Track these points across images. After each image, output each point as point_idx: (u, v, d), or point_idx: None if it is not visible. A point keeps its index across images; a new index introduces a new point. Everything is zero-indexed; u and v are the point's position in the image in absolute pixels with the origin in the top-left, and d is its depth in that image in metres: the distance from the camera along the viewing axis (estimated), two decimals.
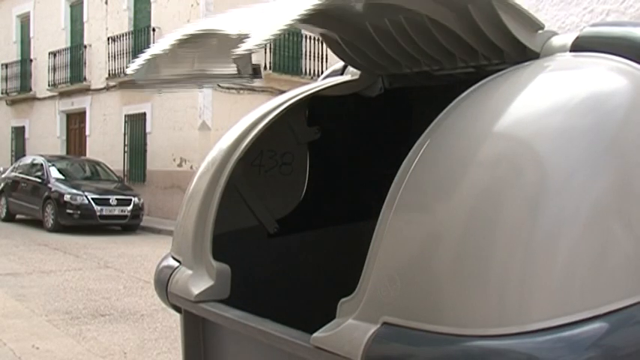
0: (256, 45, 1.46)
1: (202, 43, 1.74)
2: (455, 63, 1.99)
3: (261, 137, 2.22)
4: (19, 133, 23.91)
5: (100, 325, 6.01)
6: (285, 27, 1.48)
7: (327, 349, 1.51)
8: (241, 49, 1.47)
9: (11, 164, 19.66)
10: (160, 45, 1.94)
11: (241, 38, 1.54)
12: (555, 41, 1.86)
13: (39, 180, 15.18)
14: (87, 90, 20.36)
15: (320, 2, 1.50)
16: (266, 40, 1.47)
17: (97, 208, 14.02)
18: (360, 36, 2.05)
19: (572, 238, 1.37)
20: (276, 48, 17.35)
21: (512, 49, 1.83)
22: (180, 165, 16.69)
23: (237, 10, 1.83)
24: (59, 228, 14.08)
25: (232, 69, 1.52)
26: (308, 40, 18.12)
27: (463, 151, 1.48)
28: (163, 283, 2.22)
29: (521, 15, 1.81)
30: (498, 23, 1.76)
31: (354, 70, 2.45)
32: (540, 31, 1.85)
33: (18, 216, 16.24)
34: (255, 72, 1.49)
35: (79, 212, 13.96)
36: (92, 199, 14.07)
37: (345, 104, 2.62)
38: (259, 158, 2.51)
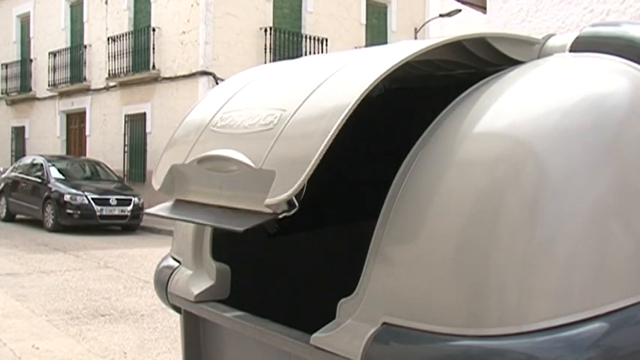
0: (289, 194, 1.45)
1: (222, 166, 1.73)
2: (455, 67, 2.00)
3: None
4: (19, 133, 23.92)
5: (100, 325, 6.01)
6: (318, 157, 1.44)
7: (327, 350, 1.51)
8: (273, 200, 1.47)
9: (11, 164, 19.67)
10: (177, 153, 1.93)
11: (265, 172, 1.53)
12: (555, 41, 1.86)
13: (39, 180, 15.18)
14: (87, 90, 20.37)
15: (343, 117, 1.47)
16: (298, 185, 1.44)
17: (97, 208, 14.03)
18: None
19: (571, 238, 1.37)
20: (277, 48, 17.37)
21: (511, 62, 1.83)
22: None
23: (248, 108, 1.80)
24: (59, 228, 14.08)
25: (264, 208, 1.52)
26: (308, 40, 18.12)
27: (463, 151, 1.48)
28: (163, 283, 2.22)
29: (516, 40, 1.82)
30: (494, 51, 1.77)
31: None
32: (537, 44, 1.86)
33: (18, 216, 16.24)
34: (291, 205, 1.49)
35: (79, 212, 13.97)
36: (92, 199, 14.07)
37: None
38: None
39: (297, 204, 1.49)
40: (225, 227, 1.61)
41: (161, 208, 1.92)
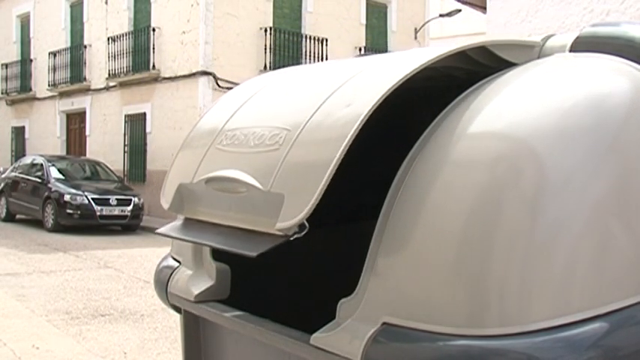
0: (299, 218, 1.48)
1: (230, 187, 1.75)
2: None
3: None
4: (19, 133, 23.91)
5: (100, 325, 6.01)
6: (325, 182, 1.47)
7: (327, 349, 1.51)
8: (284, 224, 1.50)
9: (11, 164, 19.66)
10: (184, 170, 1.95)
11: (274, 194, 1.56)
12: (555, 42, 1.86)
13: (39, 180, 15.18)
14: (87, 90, 20.36)
15: (351, 134, 1.49)
16: (308, 210, 1.47)
17: (97, 208, 14.02)
18: None
19: (571, 239, 1.37)
20: (277, 48, 17.36)
21: (512, 65, 1.84)
22: None
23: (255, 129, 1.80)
24: (59, 228, 14.08)
25: (275, 231, 1.55)
26: (308, 40, 18.12)
27: (462, 151, 1.48)
28: (163, 283, 2.22)
29: (515, 45, 1.83)
30: (494, 56, 1.79)
31: None
32: (536, 47, 1.86)
33: (18, 216, 16.24)
34: (301, 227, 1.52)
35: (79, 212, 13.97)
36: (92, 199, 14.07)
37: None
38: None
39: (307, 225, 1.52)
40: (237, 251, 1.63)
41: (172, 228, 1.94)
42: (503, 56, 1.78)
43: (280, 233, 1.54)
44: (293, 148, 1.61)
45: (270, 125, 1.75)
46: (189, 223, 1.92)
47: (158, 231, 1.99)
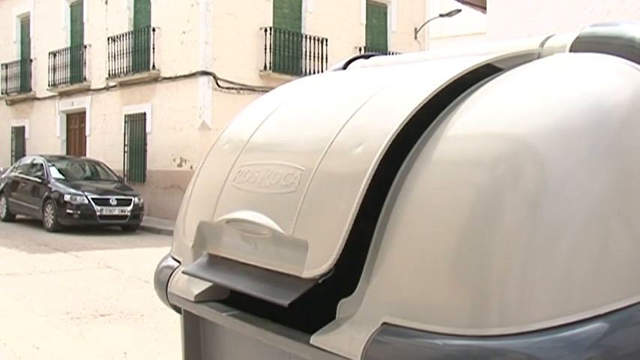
0: (327, 266, 1.51)
1: (252, 229, 1.76)
2: None
3: None
4: (19, 133, 23.91)
5: (100, 325, 6.01)
6: (347, 231, 1.50)
7: (327, 349, 1.51)
8: (311, 272, 1.54)
9: (11, 164, 19.66)
10: (202, 207, 1.97)
11: (297, 239, 1.59)
12: (554, 42, 1.86)
13: (39, 180, 15.18)
14: (87, 90, 20.36)
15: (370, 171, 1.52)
16: (334, 258, 1.50)
17: (97, 208, 14.03)
18: None
19: (572, 238, 1.37)
20: (277, 48, 17.36)
21: None
22: (180, 165, 16.70)
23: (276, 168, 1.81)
24: (59, 228, 14.08)
25: (302, 274, 1.58)
26: (308, 40, 18.12)
27: (463, 152, 1.48)
28: (163, 283, 2.22)
29: (519, 56, 1.84)
30: (498, 69, 1.81)
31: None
32: (535, 53, 1.87)
33: (18, 216, 16.24)
34: (328, 271, 1.55)
35: (79, 212, 13.97)
36: (92, 199, 14.08)
37: None
38: None
39: (332, 270, 1.54)
40: (269, 299, 1.65)
41: (198, 268, 1.97)
42: (503, 67, 1.79)
43: (308, 278, 1.58)
44: (309, 192, 1.63)
45: (284, 163, 1.77)
46: (215, 261, 1.95)
47: (185, 270, 2.01)
